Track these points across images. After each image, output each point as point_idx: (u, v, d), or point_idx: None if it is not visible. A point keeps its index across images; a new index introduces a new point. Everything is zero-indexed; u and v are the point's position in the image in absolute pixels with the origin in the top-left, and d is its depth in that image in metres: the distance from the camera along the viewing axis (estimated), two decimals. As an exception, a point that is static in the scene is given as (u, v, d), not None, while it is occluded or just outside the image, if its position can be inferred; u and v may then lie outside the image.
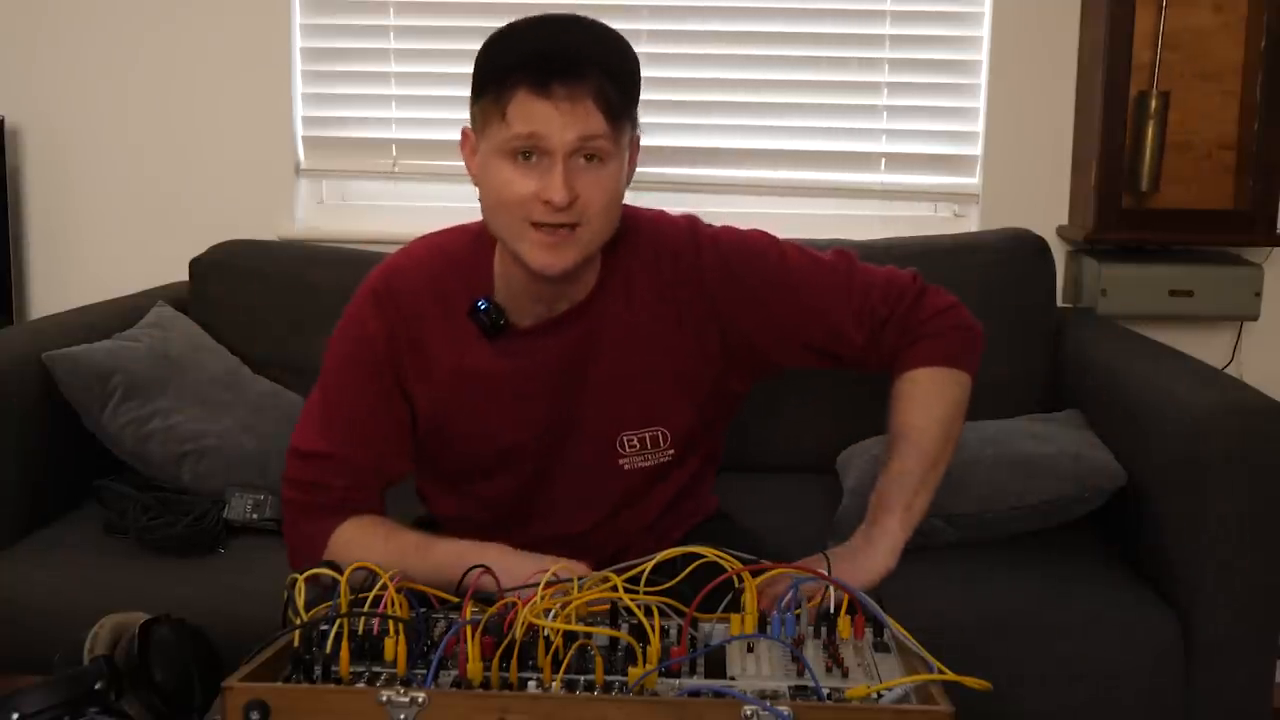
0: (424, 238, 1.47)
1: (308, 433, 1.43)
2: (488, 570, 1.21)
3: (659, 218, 1.46)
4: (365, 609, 1.12)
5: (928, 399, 1.43)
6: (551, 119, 1.23)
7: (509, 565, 1.23)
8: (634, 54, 1.30)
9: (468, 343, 1.39)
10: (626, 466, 1.44)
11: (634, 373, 1.40)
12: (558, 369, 1.40)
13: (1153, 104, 2.45)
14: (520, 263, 1.30)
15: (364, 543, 1.35)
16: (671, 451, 1.45)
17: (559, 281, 1.33)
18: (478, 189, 1.33)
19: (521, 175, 1.26)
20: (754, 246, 1.45)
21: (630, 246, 1.40)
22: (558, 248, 1.27)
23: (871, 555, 1.36)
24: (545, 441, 1.43)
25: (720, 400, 1.48)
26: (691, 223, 1.45)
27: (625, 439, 1.42)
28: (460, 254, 1.41)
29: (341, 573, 1.17)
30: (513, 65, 1.25)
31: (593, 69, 1.24)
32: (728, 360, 1.44)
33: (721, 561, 1.20)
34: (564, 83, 1.23)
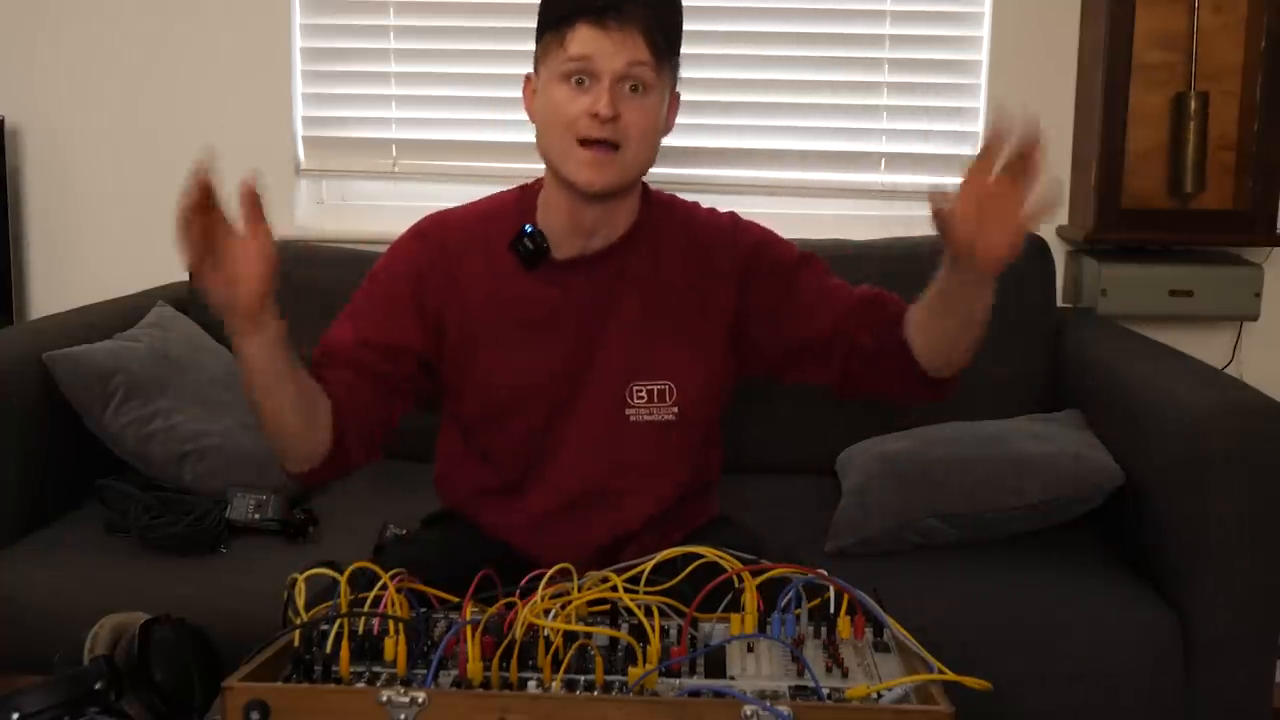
0: (470, 202, 1.62)
1: (331, 326, 1.55)
2: (489, 570, 1.21)
3: (697, 205, 1.63)
4: (365, 609, 1.12)
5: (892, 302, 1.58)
6: (604, 45, 1.41)
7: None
8: (680, 5, 1.50)
9: (505, 273, 1.51)
10: (632, 418, 1.52)
11: (653, 321, 1.53)
12: (585, 305, 1.51)
13: (1192, 104, 2.44)
14: (565, 183, 1.45)
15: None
16: (675, 410, 1.53)
17: (600, 200, 1.47)
18: (535, 124, 1.49)
19: (575, 96, 1.42)
20: (786, 241, 1.62)
21: (666, 209, 1.58)
22: (601, 165, 1.43)
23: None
24: (560, 382, 1.52)
25: (723, 372, 1.58)
26: (729, 212, 1.63)
27: (634, 388, 1.52)
28: (505, 206, 1.57)
29: (342, 572, 1.17)
30: (576, 4, 1.43)
31: (641, 10, 1.42)
32: (730, 333, 1.56)
33: (721, 561, 1.20)
34: (617, 18, 1.41)
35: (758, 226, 1.62)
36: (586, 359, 1.51)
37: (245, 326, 1.38)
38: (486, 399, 1.54)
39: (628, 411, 1.52)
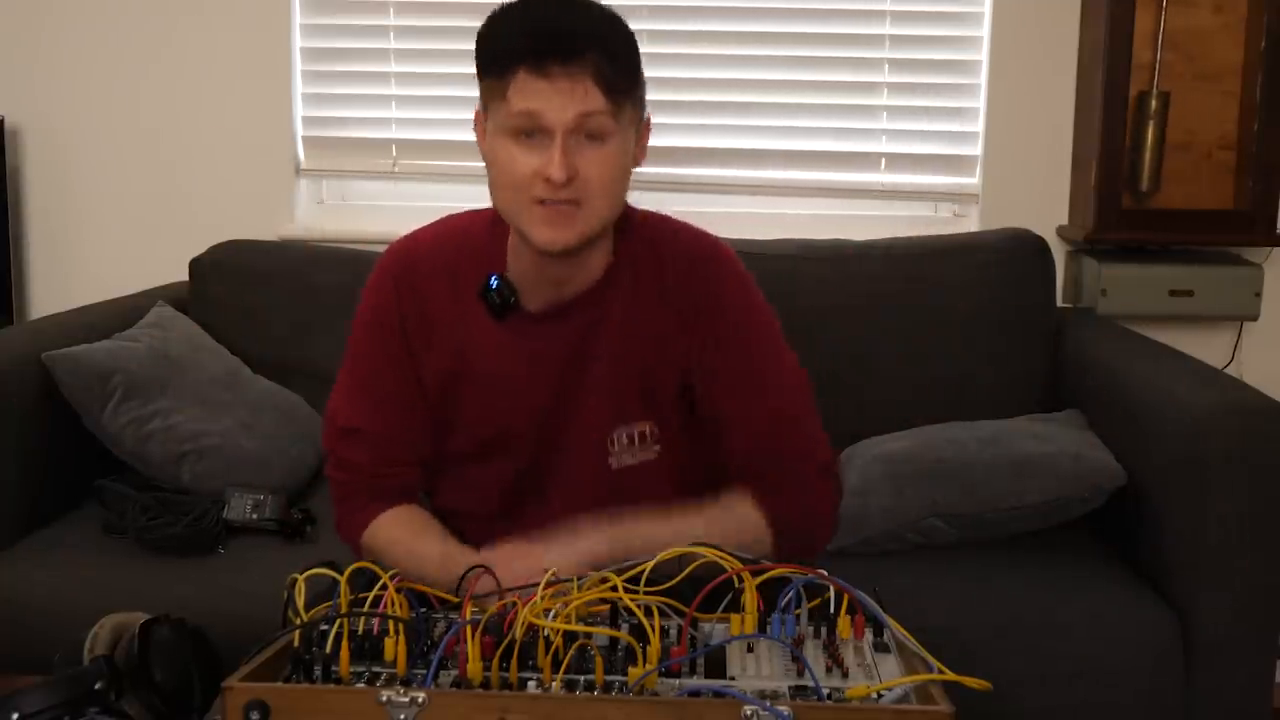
0: (442, 219, 1.49)
1: (339, 402, 1.47)
2: (488, 570, 1.21)
3: (684, 228, 1.47)
4: (365, 609, 1.12)
5: (730, 524, 1.38)
6: (550, 98, 1.25)
7: (520, 576, 1.22)
8: (631, 33, 1.31)
9: (475, 321, 1.40)
10: (614, 465, 1.43)
11: (630, 363, 1.41)
12: (562, 355, 1.41)
13: (1153, 104, 2.45)
14: (527, 240, 1.32)
15: (390, 544, 1.41)
16: (657, 448, 1.44)
17: (563, 258, 1.34)
18: (488, 171, 1.36)
19: (524, 153, 1.28)
20: (755, 302, 1.45)
21: (645, 242, 1.42)
22: (560, 224, 1.29)
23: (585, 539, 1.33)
24: (543, 427, 1.43)
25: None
26: (715, 244, 1.46)
27: (616, 435, 1.43)
28: (476, 236, 1.44)
29: (342, 572, 1.17)
30: (512, 46, 1.27)
31: (590, 47, 1.25)
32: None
33: (721, 561, 1.20)
34: (562, 62, 1.24)
35: (725, 265, 1.44)
36: (566, 410, 1.42)
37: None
38: (468, 440, 1.46)
39: (610, 459, 1.43)
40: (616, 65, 1.27)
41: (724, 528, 1.34)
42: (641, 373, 1.42)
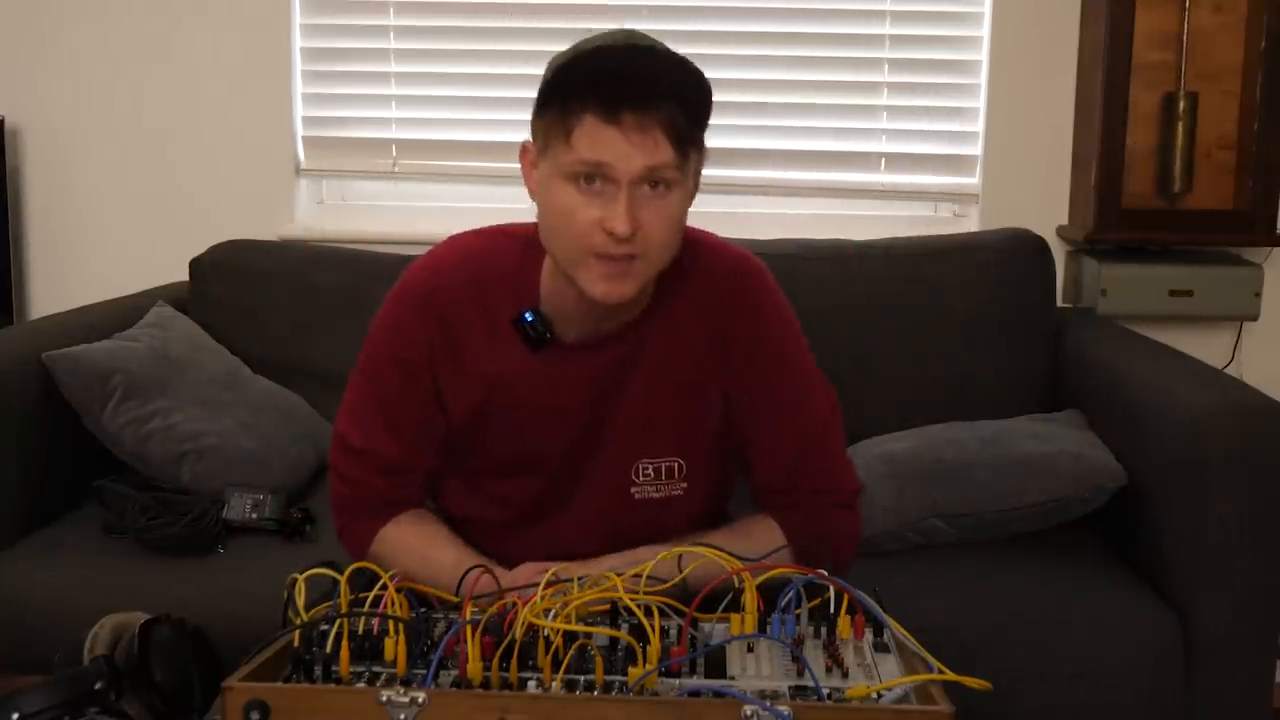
0: (464, 238, 1.43)
1: (350, 425, 1.43)
2: (487, 570, 1.21)
3: (723, 246, 1.43)
4: (365, 609, 1.12)
5: (754, 539, 1.38)
6: (619, 147, 1.20)
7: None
8: (707, 84, 1.25)
9: (508, 351, 1.36)
10: (637, 495, 1.41)
11: (662, 395, 1.38)
12: (596, 385, 1.38)
13: (1181, 105, 2.44)
14: (576, 287, 1.28)
15: (402, 551, 1.39)
16: (684, 485, 1.42)
17: (617, 309, 1.31)
18: (536, 205, 1.30)
19: (585, 201, 1.22)
20: (790, 327, 1.43)
21: (683, 270, 1.36)
22: (618, 278, 1.24)
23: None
24: (570, 455, 1.41)
25: (728, 434, 1.44)
26: (754, 264, 1.42)
27: (642, 466, 1.40)
28: (506, 263, 1.38)
29: (341, 572, 1.17)
30: (583, 86, 1.21)
31: (665, 97, 1.20)
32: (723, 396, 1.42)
33: (722, 561, 1.20)
34: (634, 110, 1.19)
35: (763, 302, 1.40)
36: (593, 439, 1.40)
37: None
38: (487, 464, 1.44)
39: (633, 490, 1.40)
40: (689, 116, 1.22)
41: (745, 546, 1.32)
42: (676, 401, 1.39)
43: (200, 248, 2.53)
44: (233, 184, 2.74)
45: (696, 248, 1.38)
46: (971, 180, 2.68)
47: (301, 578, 1.15)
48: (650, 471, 1.40)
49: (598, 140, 1.20)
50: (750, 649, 1.11)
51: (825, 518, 1.42)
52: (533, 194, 1.30)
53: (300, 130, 2.76)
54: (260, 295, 2.48)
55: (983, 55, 2.64)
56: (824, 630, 1.14)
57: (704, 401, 1.40)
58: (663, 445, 1.40)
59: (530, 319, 1.34)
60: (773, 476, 1.42)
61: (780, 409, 1.40)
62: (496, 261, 1.38)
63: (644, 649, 1.05)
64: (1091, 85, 2.51)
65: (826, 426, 1.43)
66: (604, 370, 1.37)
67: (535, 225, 1.33)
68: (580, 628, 1.08)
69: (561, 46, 1.28)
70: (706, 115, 1.26)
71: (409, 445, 1.41)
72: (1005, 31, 2.61)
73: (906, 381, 2.36)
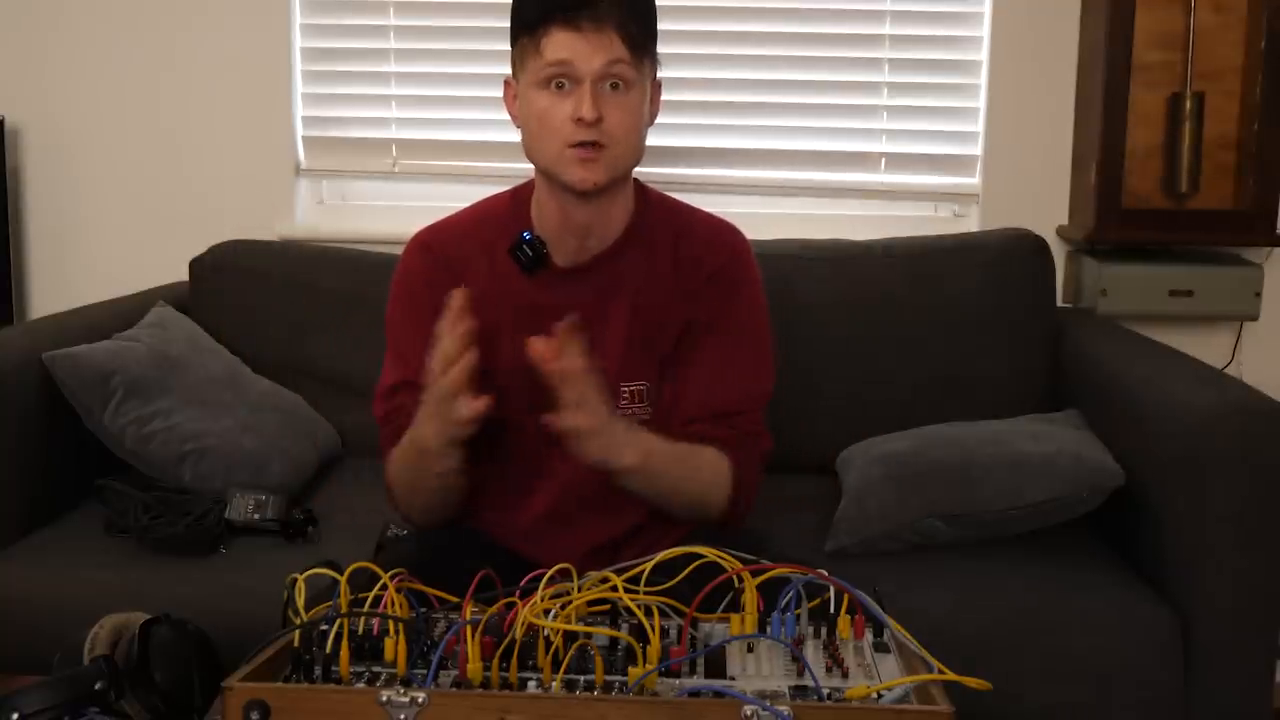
0: (457, 211, 1.66)
1: (384, 375, 1.60)
2: (488, 570, 1.21)
3: (709, 215, 1.65)
4: (365, 609, 1.12)
5: (705, 461, 1.55)
6: (580, 47, 1.44)
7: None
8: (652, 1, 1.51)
9: (507, 279, 1.55)
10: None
11: (640, 324, 1.56)
12: (585, 309, 1.50)
13: (1188, 105, 2.44)
14: (559, 184, 1.49)
15: (397, 452, 1.54)
16: (650, 410, 1.57)
17: (590, 200, 1.50)
18: (519, 129, 1.52)
19: (557, 101, 1.46)
20: (757, 300, 1.62)
21: (666, 213, 1.61)
22: (591, 163, 1.46)
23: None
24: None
25: None
26: (736, 232, 1.64)
27: (621, 388, 1.56)
28: (499, 212, 1.61)
29: (341, 571, 1.17)
30: (547, 7, 1.45)
31: (614, 7, 1.45)
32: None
33: (721, 561, 1.20)
34: (591, 18, 1.44)
35: (738, 260, 1.62)
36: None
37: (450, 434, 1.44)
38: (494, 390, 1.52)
39: (617, 411, 1.52)
40: (638, 20, 1.47)
41: (701, 461, 1.53)
42: (646, 331, 1.56)
43: (200, 248, 2.53)
44: (233, 184, 2.74)
45: (684, 207, 1.63)
46: (971, 180, 2.68)
47: (301, 578, 1.15)
48: (627, 394, 1.57)
49: (562, 45, 1.44)
50: (750, 649, 1.11)
51: (750, 458, 1.58)
52: (515, 120, 1.54)
53: (300, 130, 2.76)
54: (260, 295, 2.48)
55: (983, 55, 2.64)
56: (824, 630, 1.14)
57: (666, 326, 1.58)
58: (636, 369, 1.57)
59: (527, 238, 1.52)
60: (712, 409, 1.56)
61: (729, 358, 1.57)
62: (491, 213, 1.62)
63: (644, 649, 1.05)
64: (1091, 85, 2.51)
65: (761, 388, 1.61)
66: (592, 295, 1.55)
67: (522, 185, 1.59)
68: (580, 628, 1.08)
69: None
70: (653, 24, 1.52)
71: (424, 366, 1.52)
72: (1005, 31, 2.61)
73: (906, 381, 2.35)
